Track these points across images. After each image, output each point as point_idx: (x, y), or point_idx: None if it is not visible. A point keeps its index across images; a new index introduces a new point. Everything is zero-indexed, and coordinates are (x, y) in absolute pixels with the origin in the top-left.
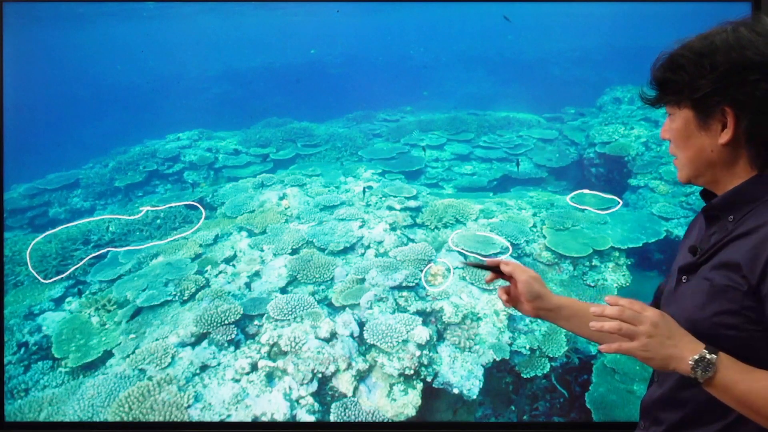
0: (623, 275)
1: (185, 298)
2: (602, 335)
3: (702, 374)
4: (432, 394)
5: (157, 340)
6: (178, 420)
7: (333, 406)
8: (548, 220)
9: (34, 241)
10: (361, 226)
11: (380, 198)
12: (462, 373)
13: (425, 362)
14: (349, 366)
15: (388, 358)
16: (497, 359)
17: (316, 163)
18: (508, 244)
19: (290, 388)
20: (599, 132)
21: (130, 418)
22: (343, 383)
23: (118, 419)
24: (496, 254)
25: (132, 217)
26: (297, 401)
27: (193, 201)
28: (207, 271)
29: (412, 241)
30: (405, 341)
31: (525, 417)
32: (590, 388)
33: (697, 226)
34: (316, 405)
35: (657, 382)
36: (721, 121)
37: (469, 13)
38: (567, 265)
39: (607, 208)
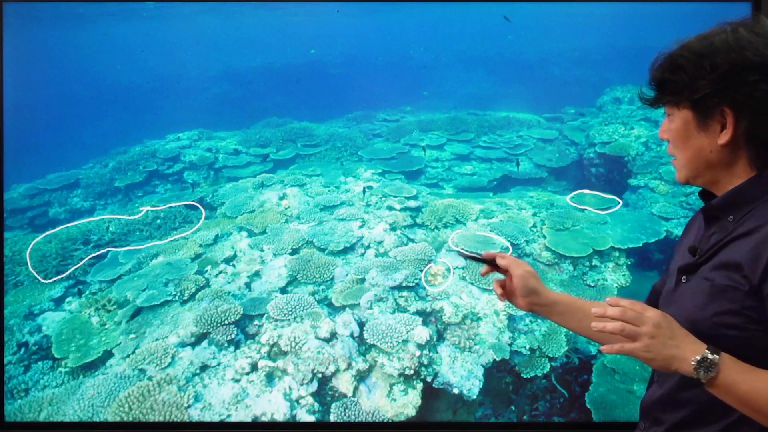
0: (623, 275)
1: (185, 298)
2: (597, 332)
3: (704, 375)
4: (432, 394)
5: (157, 340)
6: (178, 420)
7: (333, 406)
8: (548, 220)
9: (34, 241)
10: (361, 226)
11: (380, 198)
12: (462, 373)
13: (425, 362)
14: (349, 366)
15: (388, 358)
16: (497, 359)
17: (316, 163)
18: (508, 244)
19: (290, 388)
20: (599, 132)
21: (130, 418)
22: (343, 383)
23: (118, 419)
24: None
25: (132, 217)
26: (297, 401)
27: (193, 201)
28: (207, 271)
29: (412, 241)
30: (405, 341)
31: (525, 417)
32: (590, 388)
33: (695, 227)
34: (316, 405)
35: (657, 383)
36: (721, 122)
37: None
38: (567, 265)
39: (607, 208)
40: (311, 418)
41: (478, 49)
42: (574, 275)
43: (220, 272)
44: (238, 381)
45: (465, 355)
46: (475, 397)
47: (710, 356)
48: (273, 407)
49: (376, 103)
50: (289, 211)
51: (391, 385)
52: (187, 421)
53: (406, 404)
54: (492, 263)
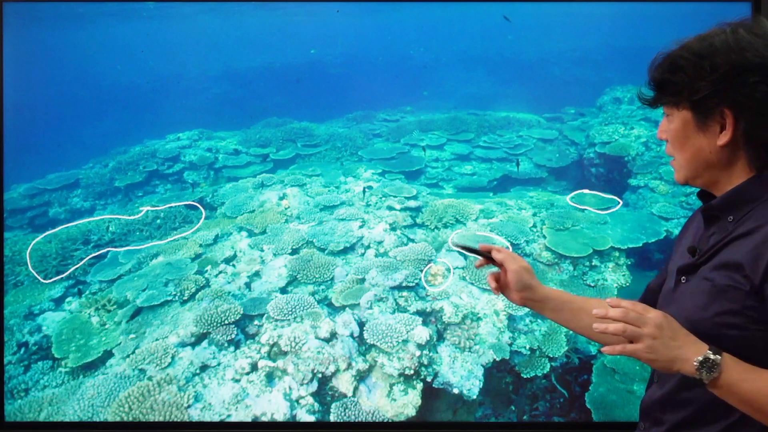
0: (623, 275)
1: (185, 298)
2: (590, 328)
3: (707, 375)
4: (432, 394)
5: (157, 340)
6: (178, 420)
7: (333, 406)
8: (548, 220)
9: (34, 241)
10: (361, 226)
11: (380, 198)
12: (462, 373)
13: (425, 362)
14: (349, 366)
15: (388, 358)
16: (497, 359)
17: (316, 163)
18: (508, 244)
19: (290, 388)
20: (599, 132)
21: (130, 418)
22: (343, 383)
23: (118, 419)
24: None
25: (132, 217)
26: (297, 401)
27: (193, 201)
28: (207, 271)
29: (412, 241)
30: (405, 341)
31: (525, 417)
32: (590, 388)
33: (693, 227)
34: (316, 405)
35: (657, 383)
36: (720, 123)
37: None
38: (567, 265)
39: (607, 208)
40: (311, 418)
41: (478, 49)
42: (574, 275)
43: (220, 272)
44: (238, 381)
45: (465, 355)
46: (475, 397)
47: (712, 357)
48: (273, 407)
49: (376, 103)
50: (289, 211)
51: (391, 385)
52: (187, 421)
53: (406, 404)
54: (488, 256)
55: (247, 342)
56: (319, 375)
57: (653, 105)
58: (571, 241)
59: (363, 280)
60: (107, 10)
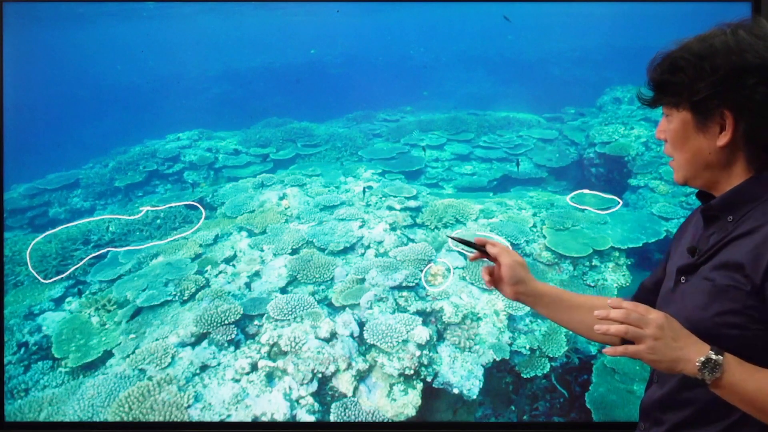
0: (623, 275)
1: (185, 298)
2: (586, 326)
3: (709, 376)
4: (432, 394)
5: (157, 340)
6: (178, 420)
7: (333, 406)
8: (548, 220)
9: (34, 241)
10: (361, 226)
11: (380, 198)
12: (462, 373)
13: (425, 362)
14: (349, 366)
15: (388, 358)
16: (497, 359)
17: (316, 163)
18: (508, 244)
19: (290, 388)
20: (599, 132)
21: (130, 418)
22: (343, 383)
23: (118, 419)
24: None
25: (132, 217)
26: (297, 401)
27: (193, 201)
28: (207, 271)
29: (412, 241)
30: (405, 341)
31: (525, 417)
32: (590, 388)
33: (691, 227)
34: (316, 405)
35: (657, 383)
36: (720, 124)
37: (469, 13)
38: (567, 265)
39: (607, 208)
40: (311, 418)
41: (478, 49)
42: (574, 275)
43: (220, 272)
44: (238, 381)
45: (465, 355)
46: (475, 397)
47: (714, 357)
48: (273, 407)
49: (376, 103)
50: (289, 211)
51: (391, 385)
52: (187, 421)
53: (406, 404)
54: (482, 250)
55: (247, 342)
56: (319, 375)
57: (653, 105)
58: (571, 241)
59: (363, 280)
60: (107, 10)
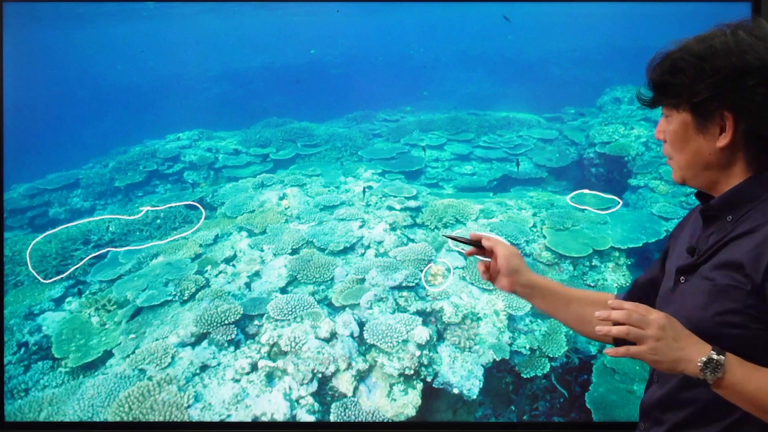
0: (623, 275)
1: (185, 298)
2: (582, 321)
3: (711, 376)
4: (432, 394)
5: (157, 340)
6: (178, 420)
7: (333, 406)
8: (548, 220)
9: (34, 241)
10: (361, 226)
11: (380, 198)
12: (462, 373)
13: (425, 362)
14: (349, 366)
15: (388, 358)
16: (497, 359)
17: (316, 163)
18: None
19: (290, 388)
20: (599, 132)
21: (130, 418)
22: (343, 383)
23: (118, 419)
24: None
25: (132, 217)
26: (297, 401)
27: (193, 201)
28: (207, 271)
29: (412, 241)
30: (405, 341)
31: (525, 417)
32: (590, 388)
33: (689, 226)
34: (316, 405)
35: (656, 383)
36: (720, 125)
37: (469, 13)
38: (567, 265)
39: (607, 208)
40: (311, 418)
41: (478, 49)
42: (574, 275)
43: (220, 272)
44: (238, 381)
45: (465, 355)
46: (475, 397)
47: (716, 357)
48: (273, 407)
49: (376, 103)
50: (289, 211)
51: (391, 385)
52: (187, 421)
53: (406, 404)
54: (477, 244)
55: (247, 342)
56: (319, 375)
57: (652, 106)
58: (571, 241)
59: (363, 280)
60: (107, 10)
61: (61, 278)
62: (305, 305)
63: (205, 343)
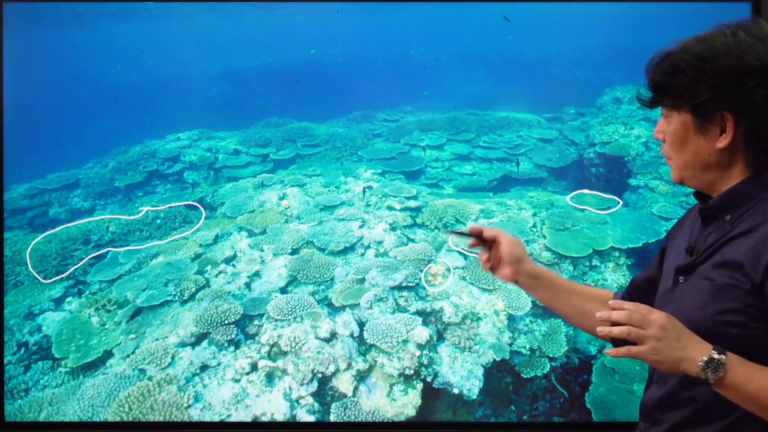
0: (623, 275)
1: (185, 298)
2: (581, 315)
3: (712, 375)
4: (432, 394)
5: (157, 340)
6: (178, 420)
7: (333, 406)
8: (548, 220)
9: (34, 241)
10: (361, 226)
11: (380, 198)
12: (462, 373)
13: (425, 362)
14: (349, 366)
15: (388, 358)
16: (497, 359)
17: (316, 163)
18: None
19: (290, 388)
20: (599, 132)
21: (130, 418)
22: (343, 383)
23: (118, 419)
24: None
25: (132, 217)
26: (297, 401)
27: (193, 201)
28: (207, 271)
29: (412, 241)
30: (405, 341)
31: (525, 417)
32: (590, 388)
33: (687, 226)
34: (316, 405)
35: (656, 383)
36: (720, 126)
37: (469, 13)
38: (567, 265)
39: (607, 208)
40: (311, 418)
41: (478, 49)
42: (574, 275)
43: (220, 272)
44: (238, 381)
45: (465, 355)
46: (475, 397)
47: (717, 356)
48: (273, 407)
49: (376, 103)
50: (289, 211)
51: (391, 385)
52: (187, 421)
53: (406, 404)
54: (478, 236)
55: (247, 342)
56: (319, 375)
57: (652, 106)
58: (571, 241)
59: (363, 280)
60: (107, 10)
61: (61, 278)
62: (305, 305)
63: (205, 343)
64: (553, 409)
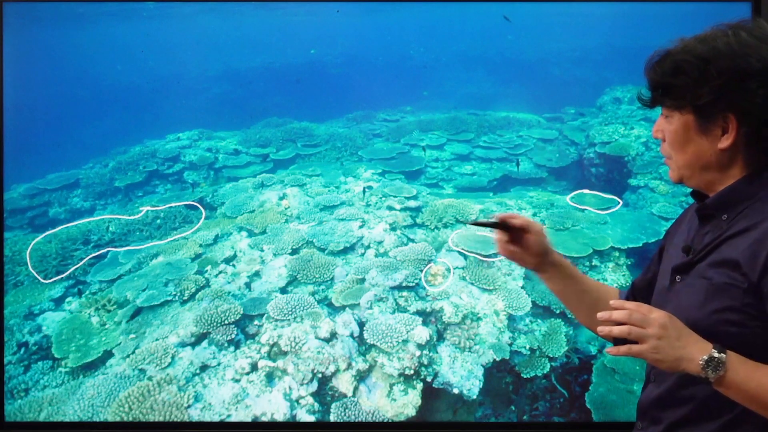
0: (623, 275)
1: (185, 298)
2: (591, 317)
3: (713, 374)
4: (432, 394)
5: (157, 340)
6: (178, 420)
7: (333, 406)
8: (548, 220)
9: (34, 241)
10: (361, 226)
11: (380, 198)
12: (462, 373)
13: (425, 362)
14: (349, 366)
15: (388, 358)
16: (497, 359)
17: (316, 163)
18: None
19: (290, 388)
20: (599, 132)
21: (130, 418)
22: (343, 383)
23: (118, 419)
24: (495, 254)
25: (132, 217)
26: (297, 401)
27: (193, 201)
28: (207, 271)
29: (412, 241)
30: (405, 341)
31: (525, 417)
32: (590, 388)
33: (684, 225)
34: (316, 405)
35: (654, 382)
36: (722, 126)
37: (469, 13)
38: None
39: (607, 208)
40: (311, 418)
41: (478, 49)
42: None
43: (220, 272)
44: (238, 381)
45: (465, 355)
46: (475, 397)
47: (717, 355)
48: (273, 407)
49: (376, 103)
50: (289, 211)
51: (391, 385)
52: (187, 421)
53: (406, 404)
54: (502, 226)
55: (247, 342)
56: (319, 375)
57: (652, 106)
58: (571, 241)
59: (363, 280)
60: (107, 10)
61: (61, 278)
62: (305, 305)
63: (205, 343)
64: (553, 409)
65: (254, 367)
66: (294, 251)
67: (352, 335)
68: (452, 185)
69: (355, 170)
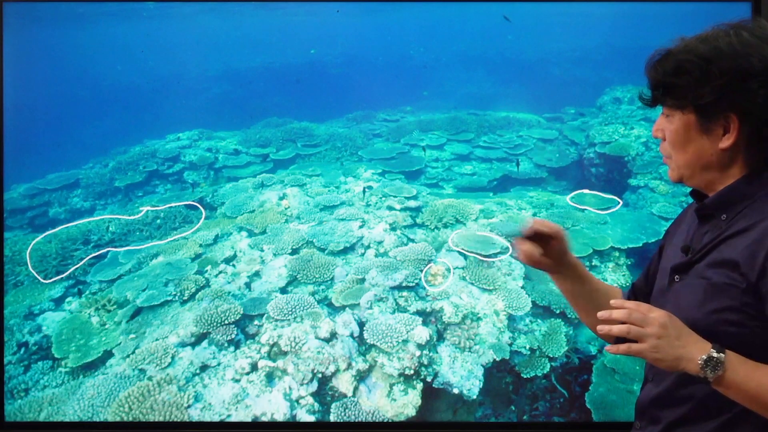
0: (623, 275)
1: (185, 298)
2: (587, 313)
3: (711, 373)
4: (432, 394)
5: (157, 340)
6: (178, 420)
7: (333, 406)
8: (548, 220)
9: (34, 241)
10: (361, 226)
11: (380, 198)
12: (462, 373)
13: (425, 362)
14: (349, 366)
15: (388, 358)
16: (497, 359)
17: (316, 163)
18: (509, 244)
19: (290, 388)
20: (599, 132)
21: (130, 418)
22: (343, 383)
23: (118, 419)
24: (495, 254)
25: (132, 217)
26: (297, 401)
27: (193, 201)
28: (207, 271)
29: (412, 241)
30: (405, 341)
31: (525, 417)
32: (590, 388)
33: (684, 225)
34: (316, 405)
35: (652, 382)
36: (723, 126)
37: (469, 13)
38: None
39: (607, 208)
40: (311, 418)
41: (478, 49)
42: None
43: (220, 272)
44: (238, 381)
45: (465, 355)
46: (475, 397)
47: (716, 355)
48: (273, 407)
49: (376, 103)
50: (289, 211)
51: (391, 385)
52: (187, 421)
53: (406, 404)
54: (535, 237)
55: (247, 342)
56: (319, 375)
57: (653, 105)
58: (571, 241)
59: (363, 280)
60: (107, 10)
61: (61, 278)
62: (305, 305)
63: (205, 343)
64: (553, 409)
65: (254, 367)
66: (294, 251)
67: (352, 335)
68: (452, 185)
69: (355, 170)
